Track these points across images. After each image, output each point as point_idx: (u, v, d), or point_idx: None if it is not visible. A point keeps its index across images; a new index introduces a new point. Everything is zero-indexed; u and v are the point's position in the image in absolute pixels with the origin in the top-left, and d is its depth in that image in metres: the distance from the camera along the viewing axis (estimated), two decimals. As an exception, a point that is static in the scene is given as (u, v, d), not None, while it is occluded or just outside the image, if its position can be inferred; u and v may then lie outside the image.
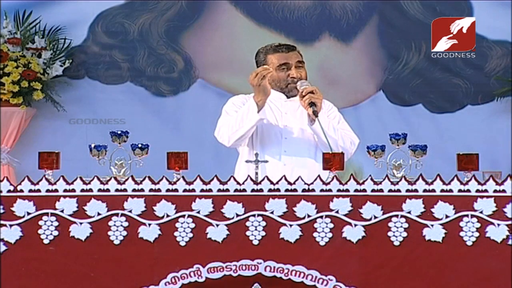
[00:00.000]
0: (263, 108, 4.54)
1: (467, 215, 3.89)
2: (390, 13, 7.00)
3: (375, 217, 3.89)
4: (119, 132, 4.10)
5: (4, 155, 6.67)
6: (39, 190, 3.93)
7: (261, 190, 3.91)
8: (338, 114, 4.79)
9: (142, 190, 3.92)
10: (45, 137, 6.87)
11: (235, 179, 3.94)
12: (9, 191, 3.93)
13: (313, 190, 3.90)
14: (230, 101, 4.77)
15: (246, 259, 3.88)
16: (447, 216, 3.89)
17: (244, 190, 3.92)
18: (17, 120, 6.73)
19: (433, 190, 3.90)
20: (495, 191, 3.90)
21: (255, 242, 3.89)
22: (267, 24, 6.99)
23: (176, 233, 3.90)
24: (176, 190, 3.92)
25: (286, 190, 3.91)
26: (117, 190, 3.93)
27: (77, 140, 6.74)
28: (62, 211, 3.91)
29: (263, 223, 3.90)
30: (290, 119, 4.70)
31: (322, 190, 3.90)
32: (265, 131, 4.66)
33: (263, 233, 3.90)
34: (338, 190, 3.91)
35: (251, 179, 3.94)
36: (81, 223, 3.91)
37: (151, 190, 3.92)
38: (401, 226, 3.89)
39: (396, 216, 3.89)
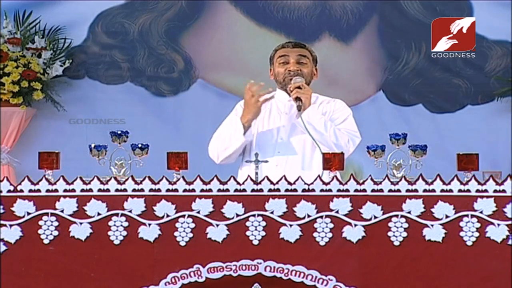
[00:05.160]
0: (250, 129, 4.58)
1: (467, 215, 3.88)
2: (390, 13, 7.00)
3: (375, 217, 3.88)
4: (119, 132, 4.10)
5: (4, 155, 6.66)
6: (39, 190, 3.93)
7: (261, 190, 3.91)
8: (345, 114, 4.75)
9: (142, 190, 3.92)
10: (45, 137, 6.87)
11: (235, 179, 3.94)
12: (9, 191, 3.93)
13: (313, 190, 3.90)
14: (234, 110, 4.78)
15: (246, 259, 3.88)
16: (447, 216, 3.88)
17: (244, 190, 3.91)
18: (17, 120, 6.73)
19: (433, 190, 3.90)
20: (495, 191, 3.89)
21: (255, 242, 3.89)
22: (267, 24, 6.98)
23: (176, 233, 3.90)
24: (176, 190, 3.92)
25: (286, 190, 3.90)
26: (117, 190, 3.93)
27: (77, 140, 6.73)
28: (62, 211, 3.91)
29: (263, 223, 3.89)
30: (289, 119, 4.70)
31: (322, 190, 3.90)
32: (261, 134, 4.67)
33: (263, 233, 3.89)
34: (338, 190, 3.90)
35: (251, 179, 3.94)
36: (81, 223, 3.91)
37: (151, 190, 3.92)
38: (401, 226, 3.88)
39: (396, 216, 3.88)
